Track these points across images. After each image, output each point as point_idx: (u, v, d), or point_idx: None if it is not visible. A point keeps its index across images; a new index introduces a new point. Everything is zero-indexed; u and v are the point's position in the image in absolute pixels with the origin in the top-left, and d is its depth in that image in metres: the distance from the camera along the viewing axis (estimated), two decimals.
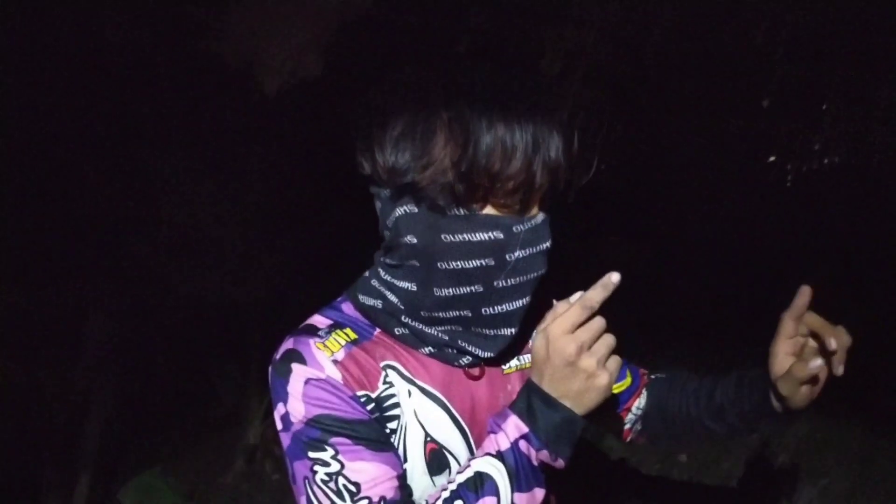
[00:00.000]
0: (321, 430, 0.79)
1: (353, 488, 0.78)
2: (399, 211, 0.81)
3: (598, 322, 0.78)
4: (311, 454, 0.79)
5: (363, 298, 0.90)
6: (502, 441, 0.79)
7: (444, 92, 0.77)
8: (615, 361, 0.80)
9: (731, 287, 4.92)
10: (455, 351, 0.87)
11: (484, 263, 0.79)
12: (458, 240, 0.78)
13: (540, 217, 0.82)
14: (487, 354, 0.86)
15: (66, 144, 3.35)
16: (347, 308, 0.91)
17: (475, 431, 0.88)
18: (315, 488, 0.78)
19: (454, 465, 0.86)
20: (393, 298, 0.86)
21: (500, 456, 0.78)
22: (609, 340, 0.79)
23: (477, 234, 0.78)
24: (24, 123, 3.18)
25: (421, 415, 0.85)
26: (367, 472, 0.79)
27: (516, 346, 0.91)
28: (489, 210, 0.79)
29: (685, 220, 5.27)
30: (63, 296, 3.53)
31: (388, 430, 0.84)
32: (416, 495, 0.85)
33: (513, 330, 0.85)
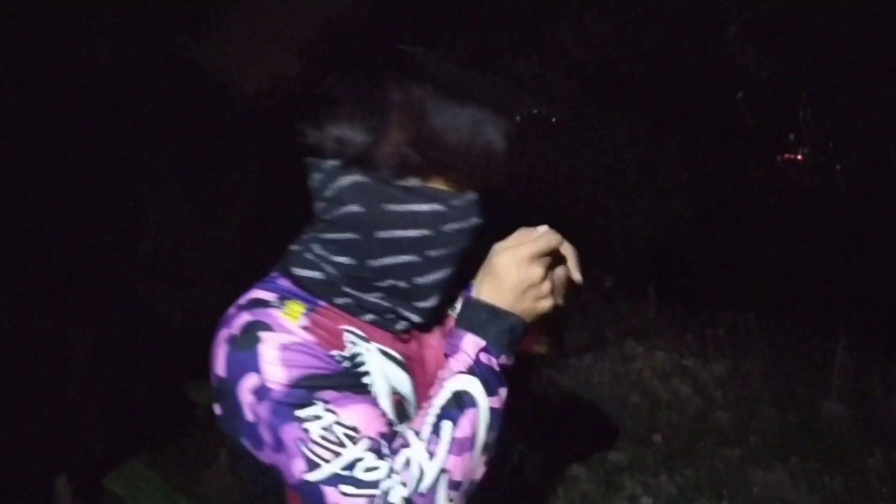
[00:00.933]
0: (306, 389, 0.79)
1: (351, 432, 0.79)
2: (346, 181, 0.84)
3: (560, 256, 0.87)
4: (300, 413, 0.78)
5: (299, 271, 0.90)
6: (465, 358, 0.84)
7: (399, 71, 0.85)
8: (562, 293, 0.90)
9: None
10: (393, 316, 0.91)
11: (422, 234, 0.84)
12: (401, 210, 0.83)
13: (475, 195, 0.87)
14: (418, 320, 0.91)
15: (49, 171, 3.71)
16: (283, 282, 0.90)
17: (420, 384, 0.94)
18: (312, 446, 0.78)
19: (411, 412, 0.91)
20: (331, 270, 0.89)
21: (469, 371, 0.83)
22: (563, 273, 0.88)
23: (421, 206, 0.83)
24: (6, 151, 3.51)
25: (385, 370, 0.90)
26: (361, 414, 0.81)
27: (440, 312, 0.97)
28: (433, 183, 0.85)
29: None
30: (48, 318, 3.61)
31: (364, 384, 0.87)
32: None
33: (440, 298, 0.91)
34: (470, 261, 0.91)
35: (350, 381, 0.84)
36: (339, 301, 0.90)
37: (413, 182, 0.84)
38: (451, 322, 0.98)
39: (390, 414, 0.88)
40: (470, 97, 0.84)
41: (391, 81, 0.84)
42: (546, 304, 0.86)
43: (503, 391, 0.86)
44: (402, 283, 0.88)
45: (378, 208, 0.84)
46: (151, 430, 3.54)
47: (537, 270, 0.84)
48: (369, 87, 0.85)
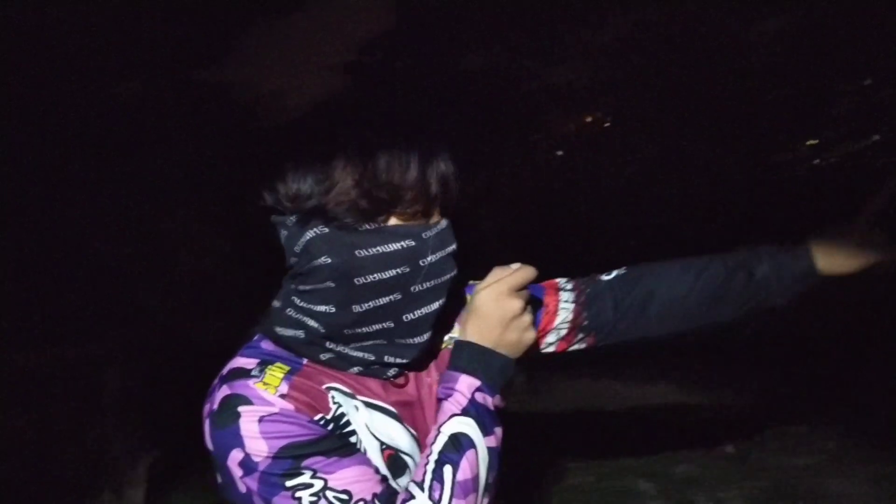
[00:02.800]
0: (291, 458, 0.78)
1: (344, 496, 0.78)
2: (309, 234, 0.83)
3: (525, 293, 0.92)
4: (289, 483, 0.77)
5: (280, 331, 0.89)
6: (460, 399, 0.85)
7: (341, 120, 0.89)
8: (534, 325, 0.96)
9: None
10: (381, 366, 0.90)
11: (400, 272, 0.83)
12: (372, 253, 0.82)
13: (444, 222, 0.88)
14: (409, 360, 0.90)
15: (76, 202, 3.68)
16: (266, 345, 0.90)
17: (418, 429, 0.93)
18: None
19: (410, 464, 0.90)
20: (313, 324, 0.87)
21: (464, 413, 0.84)
22: (529, 313, 0.93)
23: (390, 245, 0.83)
24: (30, 178, 3.51)
25: (372, 426, 0.88)
26: (351, 476, 0.80)
27: (434, 347, 0.97)
28: (395, 221, 0.84)
29: None
30: (78, 352, 3.55)
31: (351, 444, 0.86)
32: None
33: (433, 331, 0.90)
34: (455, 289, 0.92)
35: (337, 444, 0.83)
36: (324, 357, 0.89)
37: (378, 223, 0.83)
38: (446, 355, 0.96)
39: (384, 470, 0.87)
40: (412, 133, 0.86)
41: (334, 130, 0.86)
42: (530, 336, 0.92)
43: (499, 430, 0.88)
44: (389, 324, 0.86)
45: (349, 256, 0.83)
46: (184, 460, 3.46)
47: (516, 303, 0.89)
48: (314, 139, 0.87)
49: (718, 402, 3.81)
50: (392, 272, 0.83)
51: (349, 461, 0.81)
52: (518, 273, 0.90)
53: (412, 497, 0.80)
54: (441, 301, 0.88)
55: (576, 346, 1.13)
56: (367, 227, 0.83)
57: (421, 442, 0.92)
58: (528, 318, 0.91)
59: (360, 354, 0.88)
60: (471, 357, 0.89)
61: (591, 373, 5.45)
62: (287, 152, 0.88)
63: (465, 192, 0.90)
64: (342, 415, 0.86)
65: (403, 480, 0.88)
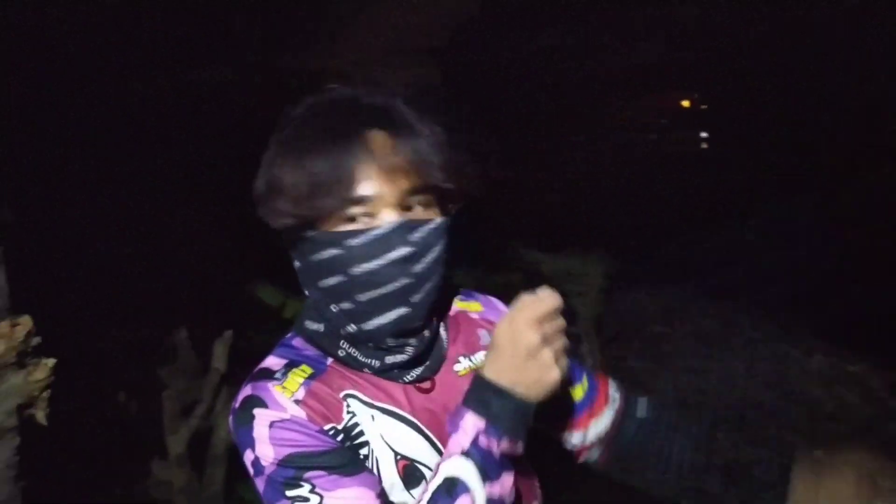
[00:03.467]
0: (294, 468, 0.80)
1: None
2: (292, 237, 0.88)
3: (561, 320, 0.81)
4: (289, 493, 0.79)
5: (308, 325, 0.92)
6: (463, 439, 0.80)
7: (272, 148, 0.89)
8: (566, 360, 0.81)
9: None
10: (390, 369, 0.90)
11: (336, 281, 0.85)
12: (311, 260, 0.86)
13: (380, 228, 0.84)
14: (397, 362, 0.89)
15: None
16: (298, 342, 0.93)
17: (443, 439, 0.88)
18: None
19: (428, 475, 0.87)
20: (331, 316, 0.89)
21: (465, 454, 0.79)
22: (564, 340, 0.81)
23: (320, 254, 0.85)
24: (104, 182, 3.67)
25: (387, 436, 0.87)
26: (348, 497, 0.80)
27: (445, 351, 0.96)
28: (332, 225, 0.85)
29: None
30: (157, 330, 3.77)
31: (362, 455, 0.86)
32: None
33: (413, 340, 0.89)
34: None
35: (341, 459, 0.82)
36: (341, 354, 0.90)
37: (309, 231, 0.85)
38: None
39: (398, 481, 0.86)
40: (305, 138, 0.85)
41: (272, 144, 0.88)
42: (553, 375, 0.79)
43: (508, 478, 0.80)
44: (352, 327, 0.87)
45: (306, 261, 0.87)
46: None
47: (533, 336, 0.78)
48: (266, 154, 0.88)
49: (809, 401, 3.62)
50: (329, 281, 0.85)
51: (350, 481, 0.81)
52: (539, 302, 0.79)
53: None
54: (400, 310, 0.85)
55: (587, 458, 1.10)
56: (307, 234, 0.85)
57: (443, 451, 0.88)
58: (546, 354, 0.78)
59: (359, 356, 0.89)
60: (480, 394, 0.80)
61: None
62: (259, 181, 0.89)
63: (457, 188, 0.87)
64: (355, 425, 0.86)
65: (417, 492, 0.86)
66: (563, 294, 0.81)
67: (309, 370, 0.88)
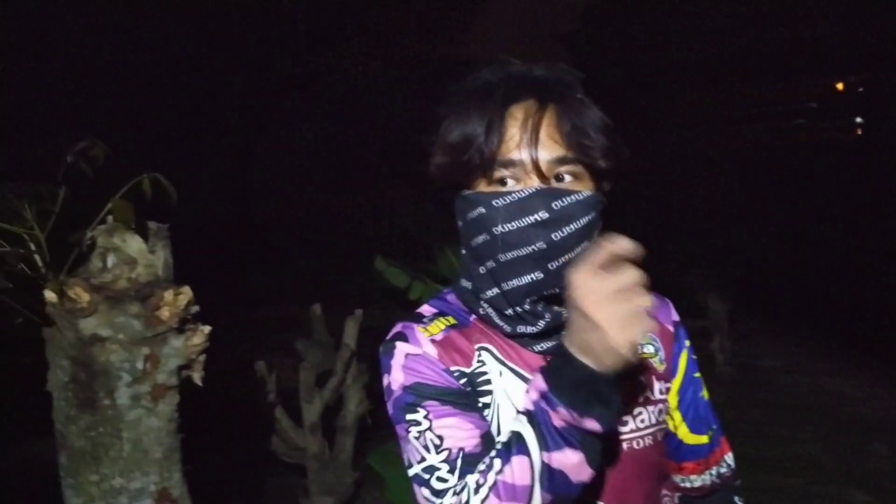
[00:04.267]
0: (416, 395, 0.88)
1: (437, 441, 0.85)
2: (450, 197, 0.96)
3: (629, 273, 0.71)
4: (408, 416, 0.88)
5: (461, 281, 0.99)
6: (529, 399, 0.79)
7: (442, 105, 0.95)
8: (641, 322, 0.71)
9: None
10: (526, 338, 0.92)
11: (482, 240, 0.89)
12: (464, 220, 0.93)
13: (526, 190, 0.86)
14: (524, 331, 0.91)
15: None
16: (451, 297, 1.01)
17: None
18: (409, 445, 0.88)
19: None
20: (476, 274, 0.94)
21: (527, 414, 0.78)
22: (637, 300, 0.71)
23: (469, 213, 0.91)
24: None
25: (511, 393, 0.92)
26: (450, 427, 0.86)
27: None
28: (482, 188, 0.90)
29: None
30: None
31: (480, 404, 0.91)
32: None
33: (544, 306, 0.90)
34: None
35: (457, 397, 0.89)
36: (481, 312, 0.95)
37: (463, 190, 0.92)
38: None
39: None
40: (456, 99, 0.92)
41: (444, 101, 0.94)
42: (625, 337, 0.70)
43: (571, 453, 0.76)
44: (494, 290, 0.91)
45: (461, 221, 0.93)
46: None
47: (589, 295, 0.71)
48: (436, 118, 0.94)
49: None
50: (478, 240, 0.89)
51: (456, 411, 0.87)
52: (595, 255, 0.73)
53: (472, 473, 0.81)
54: (535, 274, 0.86)
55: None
56: (462, 193, 0.92)
57: None
58: (604, 314, 0.70)
59: (496, 317, 0.93)
60: (555, 358, 0.78)
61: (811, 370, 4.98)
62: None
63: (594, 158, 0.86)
64: (482, 373, 0.92)
65: None
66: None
67: (453, 321, 0.96)
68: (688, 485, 1.06)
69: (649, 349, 1.01)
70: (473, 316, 0.97)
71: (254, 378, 3.18)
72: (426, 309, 1.00)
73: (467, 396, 0.90)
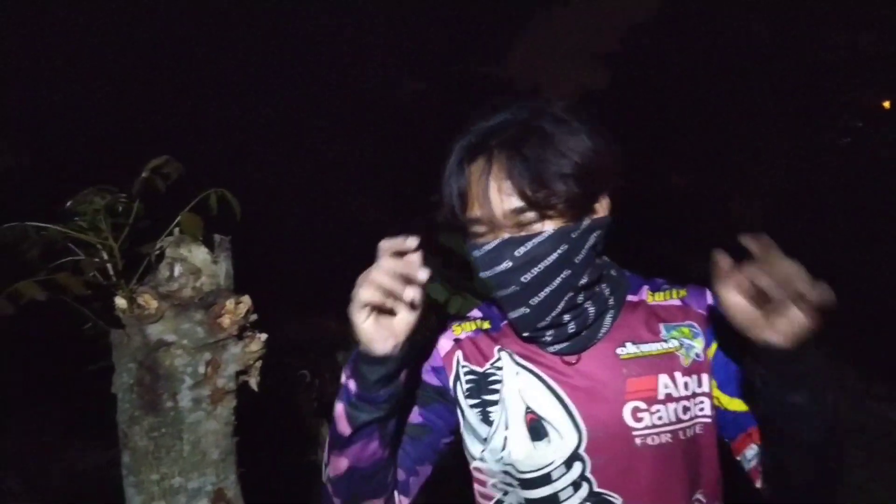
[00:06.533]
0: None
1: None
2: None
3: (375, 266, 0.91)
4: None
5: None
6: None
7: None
8: (354, 305, 0.92)
9: None
10: (541, 341, 1.03)
11: (483, 276, 1.00)
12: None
13: (492, 243, 0.97)
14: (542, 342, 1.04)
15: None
16: (494, 305, 1.12)
17: (581, 408, 1.00)
18: None
19: (553, 434, 0.99)
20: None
21: None
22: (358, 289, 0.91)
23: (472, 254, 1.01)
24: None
25: (524, 391, 1.02)
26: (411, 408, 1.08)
27: (605, 334, 1.03)
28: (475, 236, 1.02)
29: None
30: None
31: (487, 400, 1.05)
32: (520, 456, 1.00)
33: (548, 329, 1.00)
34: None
35: (423, 393, 1.10)
36: (510, 317, 1.02)
37: (472, 236, 1.02)
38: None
39: (524, 431, 1.01)
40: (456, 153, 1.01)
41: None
42: (353, 311, 0.93)
43: (338, 405, 1.00)
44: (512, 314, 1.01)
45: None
46: None
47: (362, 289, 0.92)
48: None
49: None
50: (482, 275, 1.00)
51: (417, 407, 1.08)
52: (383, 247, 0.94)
53: None
54: (522, 310, 0.97)
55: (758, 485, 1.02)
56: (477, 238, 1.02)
57: (581, 420, 0.99)
58: (355, 302, 0.92)
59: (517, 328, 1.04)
60: None
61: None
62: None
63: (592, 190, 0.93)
64: (493, 373, 1.05)
65: (541, 445, 0.99)
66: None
67: (487, 325, 1.11)
68: (746, 466, 1.02)
69: (673, 343, 1.02)
70: (505, 322, 1.08)
71: (302, 387, 3.26)
72: (474, 312, 1.14)
73: (431, 398, 1.09)
